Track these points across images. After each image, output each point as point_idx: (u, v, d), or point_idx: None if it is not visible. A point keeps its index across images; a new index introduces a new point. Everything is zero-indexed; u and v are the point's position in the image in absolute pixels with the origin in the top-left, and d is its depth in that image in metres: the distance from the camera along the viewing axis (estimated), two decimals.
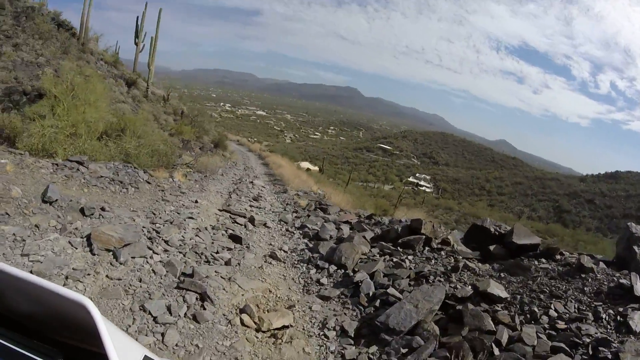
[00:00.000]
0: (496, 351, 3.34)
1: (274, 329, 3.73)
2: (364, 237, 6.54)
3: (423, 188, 60.32)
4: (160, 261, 4.49)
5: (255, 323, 3.77)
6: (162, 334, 3.24)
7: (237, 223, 7.12)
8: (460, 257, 5.77)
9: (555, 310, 4.06)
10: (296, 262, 5.77)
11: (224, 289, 4.27)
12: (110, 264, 4.12)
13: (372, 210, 12.08)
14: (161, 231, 5.40)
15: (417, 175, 69.99)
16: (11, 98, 9.72)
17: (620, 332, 3.62)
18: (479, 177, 68.21)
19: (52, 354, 0.79)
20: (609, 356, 3.16)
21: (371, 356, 3.50)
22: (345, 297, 4.64)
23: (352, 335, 3.84)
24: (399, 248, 6.14)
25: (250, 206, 8.95)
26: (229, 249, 5.62)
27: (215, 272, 4.60)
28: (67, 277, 3.66)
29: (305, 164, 33.83)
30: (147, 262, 4.39)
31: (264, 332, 3.69)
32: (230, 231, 6.39)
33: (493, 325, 3.68)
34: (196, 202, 7.80)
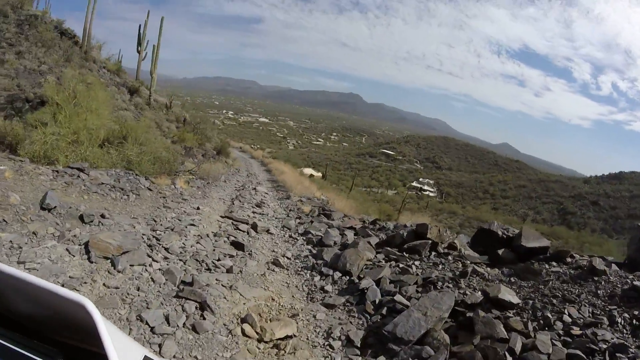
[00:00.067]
0: None
1: (277, 339, 3.57)
2: (369, 242, 6.40)
3: (426, 192, 60.08)
4: (159, 269, 4.36)
5: (257, 333, 3.61)
6: (160, 345, 3.10)
7: (240, 230, 7.00)
8: (468, 262, 5.63)
9: (569, 315, 3.92)
10: (300, 269, 5.63)
11: (224, 298, 4.12)
12: (108, 272, 4.00)
13: (376, 216, 11.94)
14: (161, 238, 5.29)
15: (420, 179, 69.78)
16: (14, 105, 9.72)
17: (636, 337, 3.53)
18: (482, 181, 67.91)
19: (52, 354, 0.79)
20: None
21: None
22: (350, 304, 4.49)
23: (359, 345, 3.67)
24: (405, 253, 5.99)
25: (253, 213, 8.83)
26: (231, 256, 5.50)
27: (216, 280, 4.47)
28: (63, 286, 3.53)
29: (308, 170, 33.78)
30: (146, 270, 4.27)
31: (266, 342, 3.52)
32: (232, 238, 6.27)
33: (505, 333, 3.53)
34: (198, 208, 7.70)
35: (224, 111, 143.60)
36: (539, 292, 4.51)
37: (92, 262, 4.08)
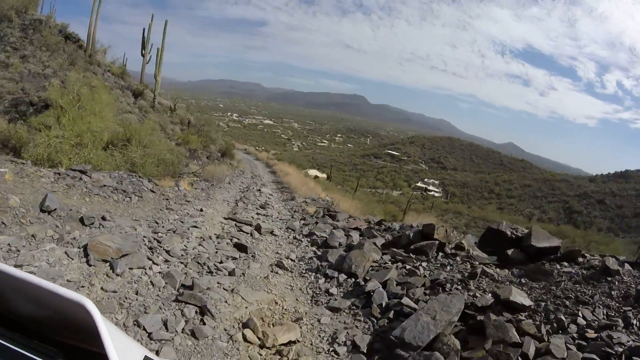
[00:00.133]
0: None
1: (280, 345, 3.44)
2: (375, 243, 6.26)
3: (432, 193, 59.70)
4: (159, 272, 4.26)
5: (259, 339, 3.48)
6: (157, 352, 2.98)
7: (243, 231, 6.90)
8: (477, 263, 5.48)
9: (584, 317, 3.76)
10: (304, 271, 5.50)
11: (226, 302, 4.00)
12: (107, 275, 3.91)
13: (381, 216, 11.79)
14: (163, 241, 5.20)
15: (425, 180, 69.36)
16: (18, 109, 9.74)
17: None
18: (487, 181, 67.32)
19: (52, 354, 0.78)
20: None
21: None
22: (356, 308, 4.34)
23: (365, 351, 3.52)
24: (411, 254, 5.85)
25: (257, 214, 8.74)
26: (234, 259, 5.39)
27: (218, 283, 4.36)
28: None
29: (313, 172, 33.69)
30: (146, 273, 4.17)
31: (268, 348, 3.39)
32: (235, 240, 6.17)
33: (518, 337, 3.37)
34: (201, 210, 7.62)
35: (229, 113, 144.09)
36: (551, 293, 4.35)
37: (90, 265, 3.99)
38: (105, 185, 6.85)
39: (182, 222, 6.41)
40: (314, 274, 5.39)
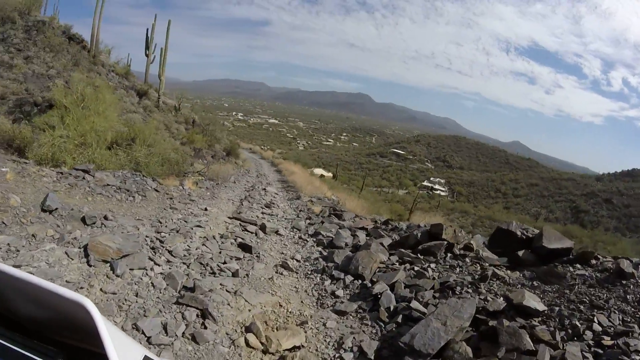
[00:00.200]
0: None
1: (283, 351, 3.30)
2: (382, 244, 6.12)
3: (438, 192, 59.25)
4: (161, 273, 4.16)
5: (262, 344, 3.35)
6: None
7: (248, 231, 6.79)
8: (487, 265, 5.32)
9: (599, 323, 3.60)
10: (309, 273, 5.38)
11: (228, 304, 3.89)
12: (106, 276, 3.82)
13: (387, 216, 11.64)
14: (165, 241, 5.11)
15: (431, 179, 68.88)
16: (22, 109, 9.73)
17: None
18: (494, 180, 66.71)
19: (52, 354, 0.78)
20: None
21: None
22: (363, 311, 4.20)
23: (372, 358, 3.37)
24: (419, 255, 5.70)
25: (262, 213, 8.64)
26: (238, 259, 5.28)
27: (221, 284, 4.24)
28: None
29: (319, 171, 33.58)
30: (147, 274, 4.07)
31: (271, 354, 3.26)
32: (239, 240, 6.06)
33: (532, 344, 3.21)
34: (206, 209, 7.53)
35: (234, 113, 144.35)
36: (564, 297, 4.18)
37: (90, 266, 3.90)
38: (108, 185, 6.78)
39: (185, 221, 6.32)
40: (319, 275, 5.27)
